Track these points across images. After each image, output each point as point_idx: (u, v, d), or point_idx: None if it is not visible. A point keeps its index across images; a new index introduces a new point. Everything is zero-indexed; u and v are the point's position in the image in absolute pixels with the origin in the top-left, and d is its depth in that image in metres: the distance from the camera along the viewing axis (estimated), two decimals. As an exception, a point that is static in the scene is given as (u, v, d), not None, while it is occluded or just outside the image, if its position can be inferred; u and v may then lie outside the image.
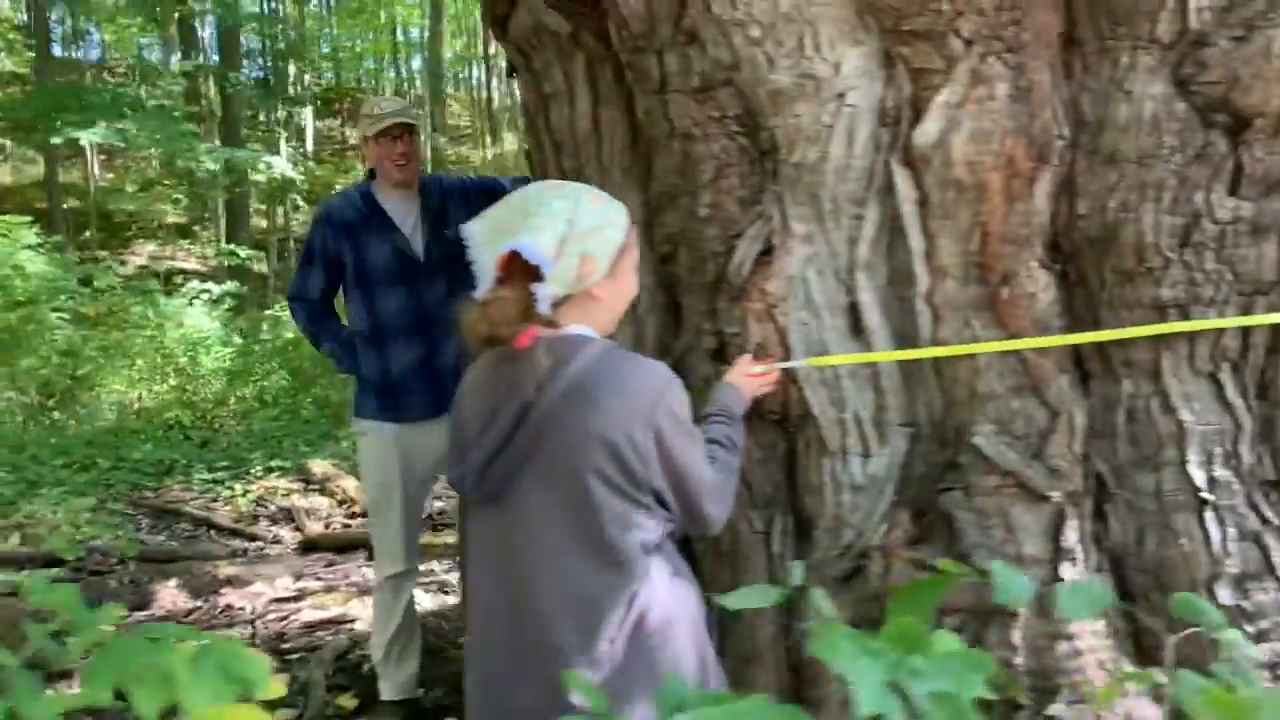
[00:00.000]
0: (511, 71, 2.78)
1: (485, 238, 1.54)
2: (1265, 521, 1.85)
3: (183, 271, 16.11)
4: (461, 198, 3.29)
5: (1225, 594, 1.81)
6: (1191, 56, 1.77)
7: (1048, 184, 1.89)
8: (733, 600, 1.20)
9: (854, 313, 2.04)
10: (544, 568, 1.50)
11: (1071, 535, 1.86)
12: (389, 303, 3.18)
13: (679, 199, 2.24)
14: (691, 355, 2.26)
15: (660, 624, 1.51)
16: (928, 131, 1.87)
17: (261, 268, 15.46)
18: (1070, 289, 1.96)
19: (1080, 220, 1.91)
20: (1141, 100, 1.81)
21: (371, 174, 3.27)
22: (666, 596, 1.53)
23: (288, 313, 4.41)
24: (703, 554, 2.24)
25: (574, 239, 1.50)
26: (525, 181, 3.71)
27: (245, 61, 19.28)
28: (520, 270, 1.48)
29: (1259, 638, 1.80)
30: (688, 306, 2.32)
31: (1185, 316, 1.84)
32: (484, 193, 3.37)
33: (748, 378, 1.92)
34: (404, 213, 3.20)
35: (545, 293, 1.47)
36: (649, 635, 1.49)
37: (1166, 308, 1.86)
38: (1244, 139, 1.78)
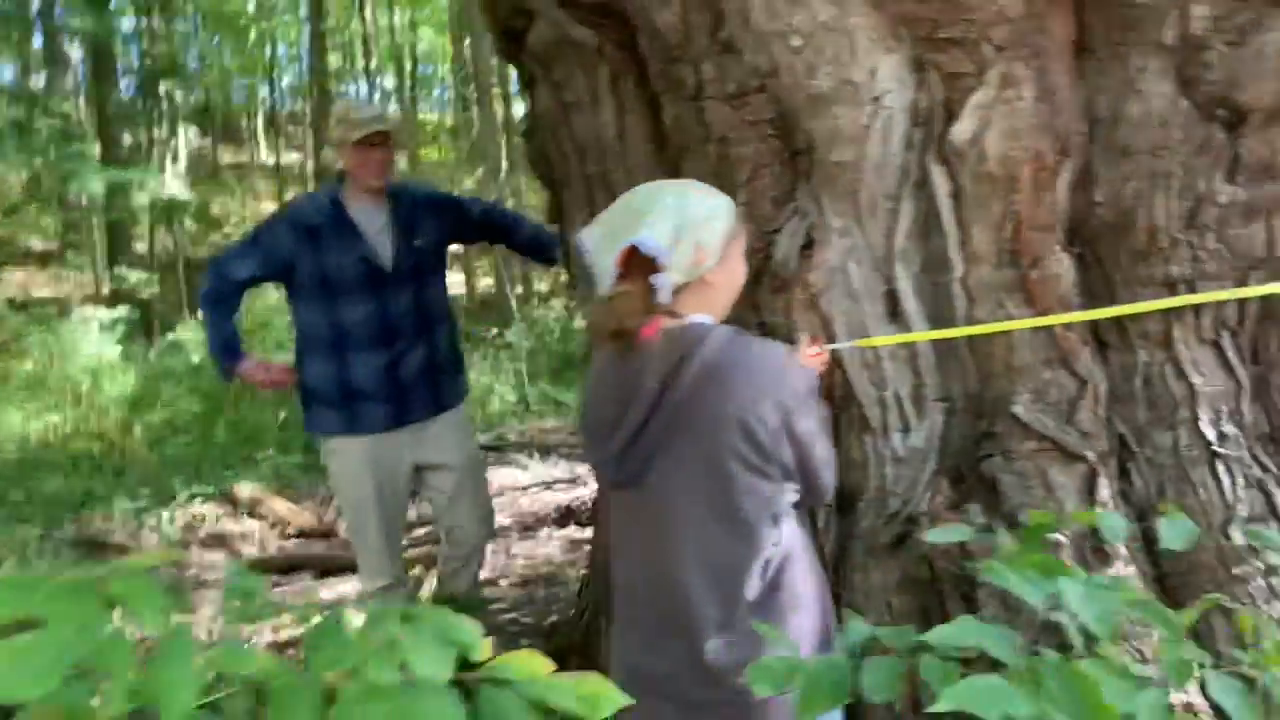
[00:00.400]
0: (529, 83, 2.84)
1: (602, 240, 1.63)
2: (1265, 470, 2.10)
3: (56, 300, 15.39)
4: (430, 209, 3.32)
5: (1238, 536, 2.04)
6: (1194, 59, 2.00)
7: (1069, 175, 2.10)
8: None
9: (892, 299, 2.21)
10: (685, 543, 1.60)
11: (1105, 491, 2.07)
12: (353, 312, 3.16)
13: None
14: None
15: (792, 591, 1.63)
16: (964, 130, 2.05)
17: (153, 292, 14.87)
18: (1086, 270, 2.17)
19: (1098, 208, 2.12)
20: (1150, 98, 2.04)
21: (340, 177, 3.25)
22: (797, 565, 1.65)
23: (190, 334, 4.39)
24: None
25: (687, 229, 1.61)
26: (478, 202, 3.81)
27: (123, 80, 18.54)
28: (639, 265, 1.58)
29: (1268, 572, 2.03)
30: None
31: (1192, 290, 2.07)
32: (453, 208, 3.43)
33: (810, 358, 2.06)
34: (372, 220, 3.18)
35: (665, 282, 1.58)
36: (782, 603, 1.61)
37: (1176, 284, 2.09)
38: (1240, 131, 2.01)
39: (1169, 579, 2.09)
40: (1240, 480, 2.07)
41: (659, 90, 2.45)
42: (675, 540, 1.61)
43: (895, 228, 2.18)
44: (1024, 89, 2.03)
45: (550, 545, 5.52)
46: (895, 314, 2.21)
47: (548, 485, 6.86)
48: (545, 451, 7.70)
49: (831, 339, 2.18)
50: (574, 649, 3.14)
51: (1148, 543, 2.09)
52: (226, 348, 3.21)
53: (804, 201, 2.24)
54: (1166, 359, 2.12)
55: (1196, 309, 2.09)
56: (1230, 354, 2.11)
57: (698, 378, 1.57)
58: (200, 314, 3.47)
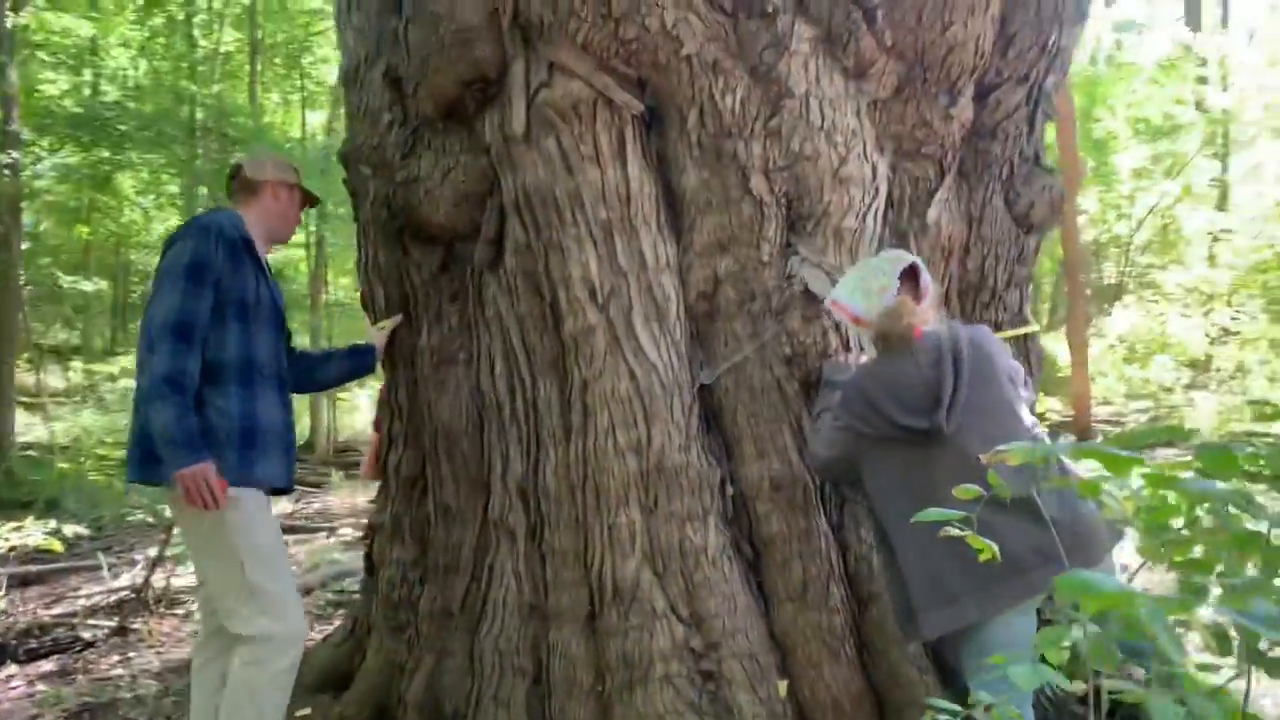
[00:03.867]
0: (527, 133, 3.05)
1: (856, 286, 2.43)
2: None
3: None
4: None
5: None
6: (1009, 188, 3.33)
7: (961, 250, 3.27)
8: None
9: (875, 327, 3.11)
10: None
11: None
12: (265, 343, 2.99)
13: (733, 249, 3.01)
14: (749, 364, 3.02)
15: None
16: (932, 214, 3.09)
17: None
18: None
19: (967, 272, 3.32)
20: (998, 209, 3.32)
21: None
22: None
23: None
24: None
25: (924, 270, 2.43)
26: None
27: None
28: (910, 289, 2.34)
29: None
30: (724, 329, 3.07)
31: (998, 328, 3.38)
32: None
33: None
34: (266, 265, 3.11)
35: (928, 300, 2.37)
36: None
37: (1002, 325, 3.36)
38: (1029, 231, 3.40)
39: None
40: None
41: (681, 152, 3.02)
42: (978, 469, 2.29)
43: (876, 277, 3.11)
44: (954, 192, 3.16)
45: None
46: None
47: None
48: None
49: (847, 349, 3.00)
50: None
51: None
52: (194, 438, 2.69)
53: (813, 254, 3.03)
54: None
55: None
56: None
57: (973, 353, 2.32)
58: (149, 388, 2.69)
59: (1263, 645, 1.13)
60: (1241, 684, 1.17)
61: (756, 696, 2.91)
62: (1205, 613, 1.23)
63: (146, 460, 2.78)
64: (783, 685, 2.96)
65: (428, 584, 3.47)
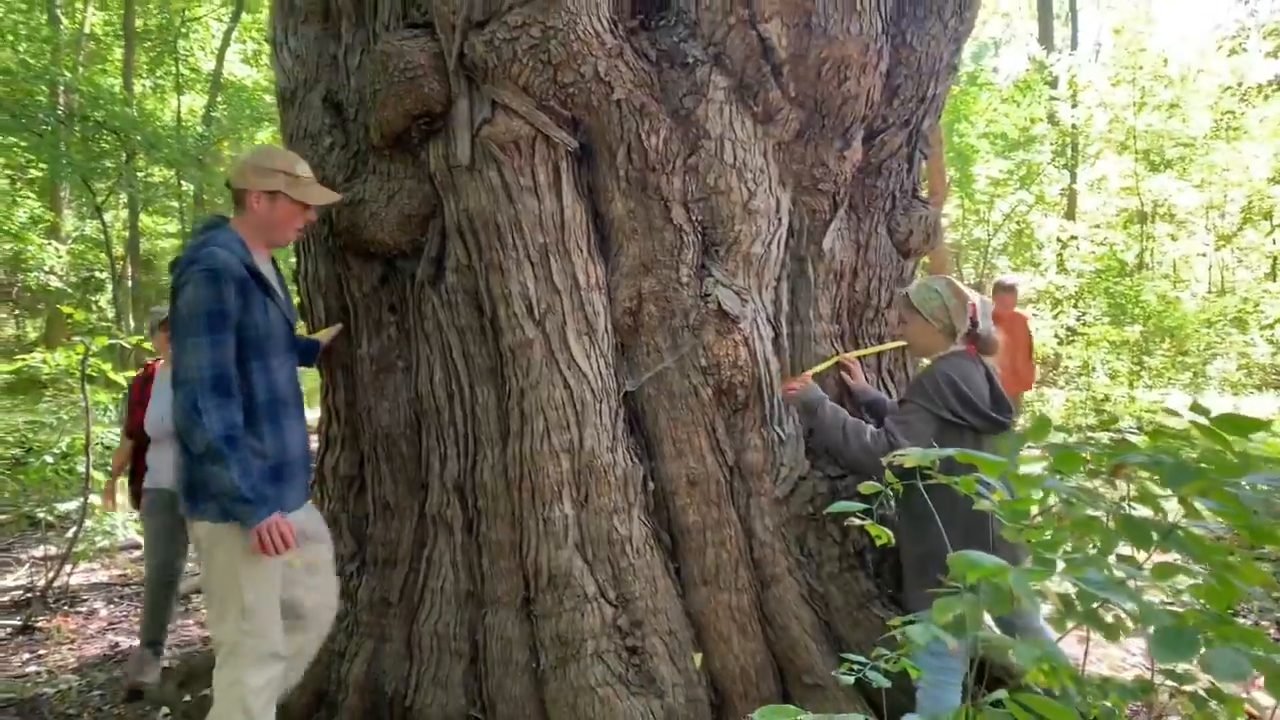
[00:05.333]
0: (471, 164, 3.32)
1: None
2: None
3: None
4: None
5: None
6: (893, 224, 3.81)
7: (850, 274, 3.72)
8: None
9: (777, 339, 3.53)
10: None
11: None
12: (283, 373, 3.01)
13: (655, 270, 3.38)
14: (670, 374, 3.39)
15: None
16: (828, 242, 3.53)
17: None
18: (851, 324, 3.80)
19: (855, 293, 3.77)
20: (881, 239, 3.78)
21: (221, 220, 3.02)
22: None
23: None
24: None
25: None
26: None
27: None
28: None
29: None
30: (646, 342, 3.43)
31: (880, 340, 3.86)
32: None
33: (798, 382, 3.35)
34: (271, 275, 3.05)
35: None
36: None
37: (884, 337, 3.83)
38: (907, 257, 3.89)
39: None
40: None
41: (610, 184, 3.36)
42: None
43: (780, 298, 3.53)
44: (848, 223, 3.61)
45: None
46: (778, 350, 3.53)
47: None
48: None
49: (755, 364, 3.40)
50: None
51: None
52: (262, 493, 2.78)
53: (725, 277, 3.42)
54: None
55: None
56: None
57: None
58: (207, 450, 2.70)
59: (1095, 605, 1.55)
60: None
61: (676, 668, 3.29)
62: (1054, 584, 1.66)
63: (193, 496, 2.86)
64: (698, 658, 3.35)
65: (366, 575, 3.73)
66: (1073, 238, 17.02)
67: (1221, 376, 13.82)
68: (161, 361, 4.80)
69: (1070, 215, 19.58)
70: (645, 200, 3.37)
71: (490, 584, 3.46)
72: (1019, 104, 18.37)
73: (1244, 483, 1.50)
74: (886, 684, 1.94)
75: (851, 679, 1.94)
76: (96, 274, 18.53)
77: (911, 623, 1.72)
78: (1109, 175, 19.20)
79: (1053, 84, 18.89)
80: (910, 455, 1.99)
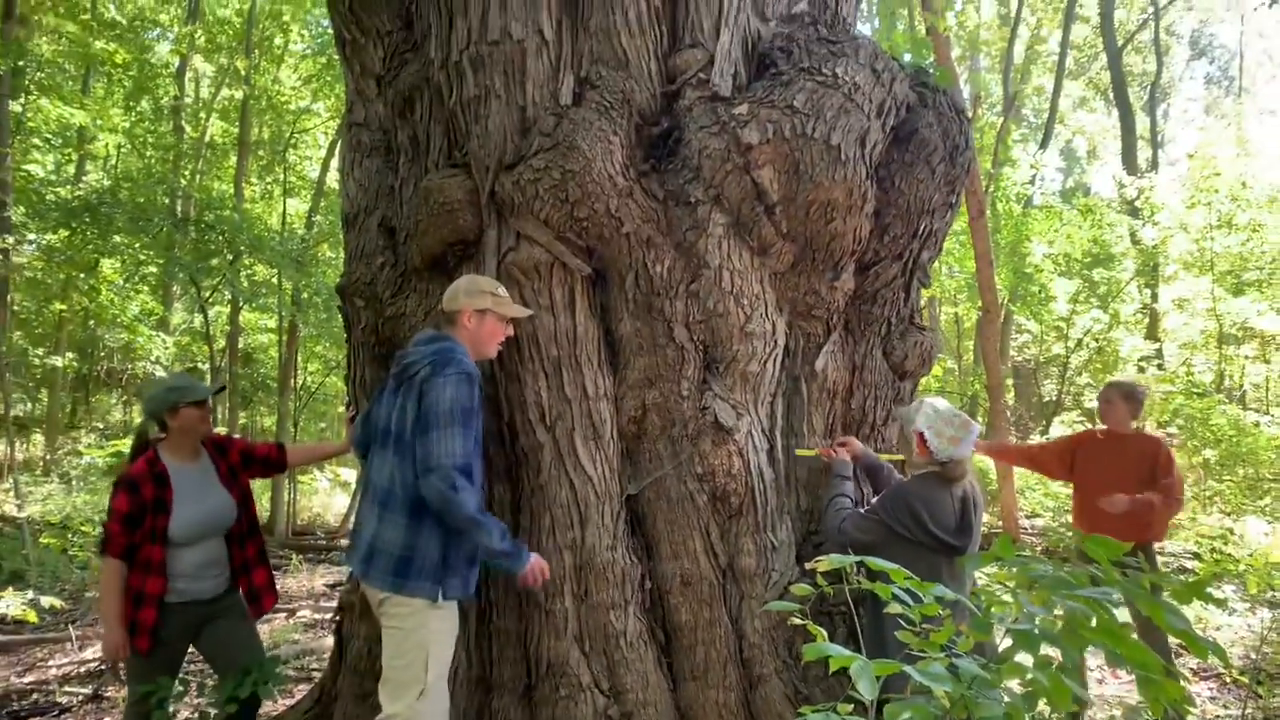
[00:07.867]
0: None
1: (933, 423, 3.38)
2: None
3: None
4: None
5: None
6: (889, 346, 4.09)
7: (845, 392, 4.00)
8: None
9: (772, 451, 3.80)
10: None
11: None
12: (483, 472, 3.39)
13: (659, 384, 3.71)
14: (668, 479, 3.69)
15: None
16: (820, 363, 3.83)
17: None
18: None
19: (850, 410, 4.04)
20: (876, 358, 4.06)
21: (444, 335, 3.36)
22: None
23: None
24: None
25: None
26: None
27: None
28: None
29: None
30: (649, 449, 3.74)
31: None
32: None
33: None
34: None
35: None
36: None
37: (880, 452, 4.07)
38: (904, 380, 4.16)
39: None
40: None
41: (620, 306, 3.73)
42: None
43: (775, 413, 3.82)
44: (840, 344, 3.91)
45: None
46: (773, 461, 3.80)
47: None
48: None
49: (749, 473, 3.67)
50: None
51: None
52: (517, 544, 3.25)
53: (724, 392, 3.74)
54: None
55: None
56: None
57: (975, 497, 3.31)
58: (469, 521, 3.10)
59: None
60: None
61: (662, 758, 3.51)
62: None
63: (405, 573, 3.18)
64: (685, 750, 3.56)
65: (389, 657, 4.04)
66: (1145, 357, 16.82)
67: (1303, 504, 13.34)
68: (165, 453, 3.78)
69: (1152, 335, 19.32)
70: (651, 320, 3.73)
71: (497, 670, 3.74)
72: (1080, 227, 18.46)
73: (1074, 592, 1.78)
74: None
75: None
76: (198, 365, 19.69)
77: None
78: (1189, 296, 18.99)
79: (1130, 204, 18.92)
80: (828, 560, 2.27)
